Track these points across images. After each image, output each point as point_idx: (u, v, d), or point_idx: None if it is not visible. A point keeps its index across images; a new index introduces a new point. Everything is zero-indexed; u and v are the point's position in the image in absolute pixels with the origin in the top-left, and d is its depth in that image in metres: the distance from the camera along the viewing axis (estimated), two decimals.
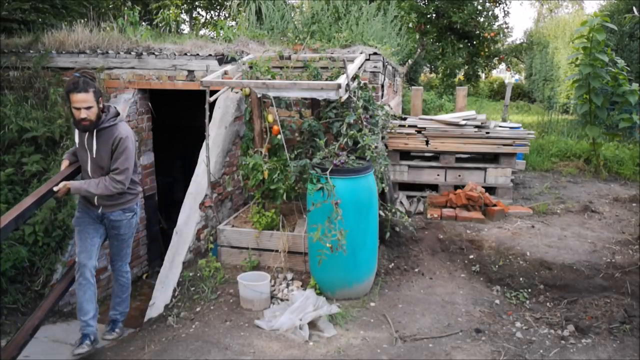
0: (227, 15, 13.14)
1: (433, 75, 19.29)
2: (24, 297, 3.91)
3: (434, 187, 5.52)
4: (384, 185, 4.25)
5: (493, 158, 5.59)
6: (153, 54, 4.99)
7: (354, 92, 4.12)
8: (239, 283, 3.59)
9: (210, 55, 4.86)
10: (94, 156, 3.26)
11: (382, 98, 4.99)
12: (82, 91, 3.05)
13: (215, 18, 13.63)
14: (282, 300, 3.65)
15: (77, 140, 3.31)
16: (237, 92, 4.68)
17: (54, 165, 4.31)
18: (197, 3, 13.70)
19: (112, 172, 3.24)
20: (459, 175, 5.44)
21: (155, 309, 3.69)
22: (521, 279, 3.91)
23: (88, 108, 3.09)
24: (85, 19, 6.47)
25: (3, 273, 3.78)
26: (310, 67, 4.51)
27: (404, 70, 10.44)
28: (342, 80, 3.61)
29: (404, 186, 5.58)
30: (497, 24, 13.52)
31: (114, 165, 3.25)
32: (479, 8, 12.76)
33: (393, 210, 4.35)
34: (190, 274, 3.91)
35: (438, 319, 3.45)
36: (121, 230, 3.43)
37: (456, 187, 5.39)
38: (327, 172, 3.43)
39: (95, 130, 3.20)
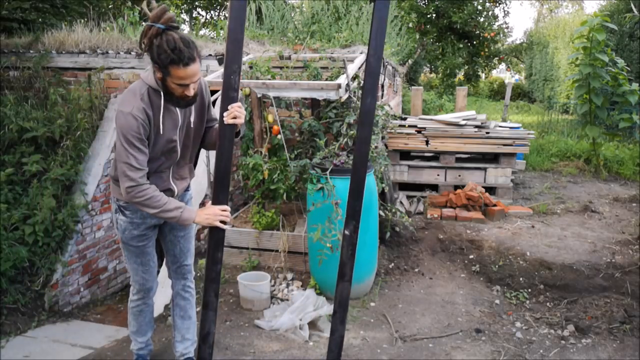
0: (227, 15, 13.14)
1: (433, 75, 19.31)
2: (24, 297, 3.90)
3: (434, 187, 5.52)
4: (384, 185, 4.25)
5: (493, 158, 5.59)
6: None
7: (354, 92, 4.12)
8: (239, 283, 3.59)
9: (210, 55, 4.86)
10: (191, 127, 2.35)
11: (382, 98, 4.99)
12: (191, 62, 2.04)
13: (215, 18, 13.63)
14: (282, 300, 3.65)
15: (163, 126, 2.21)
16: None
17: (54, 165, 4.30)
18: (197, 3, 13.70)
19: (214, 123, 2.43)
20: (459, 175, 5.44)
21: (155, 309, 3.68)
22: (521, 279, 3.91)
23: (196, 81, 2.15)
24: (85, 19, 6.47)
25: (3, 273, 3.78)
26: (310, 67, 4.51)
27: (404, 70, 10.44)
28: (342, 80, 3.61)
29: (404, 186, 5.58)
30: (497, 24, 13.52)
31: (212, 115, 2.44)
32: (479, 8, 12.76)
33: (393, 210, 4.35)
34: None
35: (438, 319, 3.45)
36: None
37: (456, 187, 5.40)
38: (327, 172, 3.43)
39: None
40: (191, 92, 2.16)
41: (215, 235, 2.16)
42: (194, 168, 2.60)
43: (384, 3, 1.81)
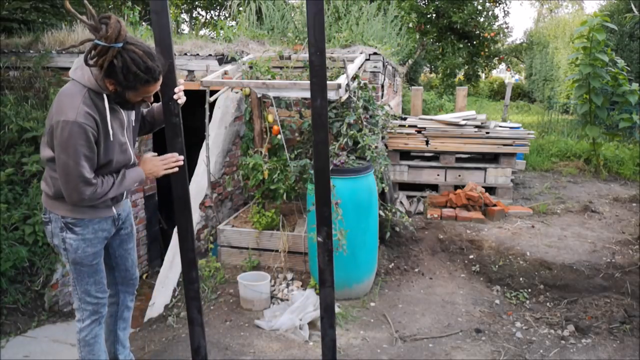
0: (227, 15, 13.14)
1: (433, 75, 19.31)
2: (24, 297, 3.91)
3: (434, 187, 5.52)
4: (384, 185, 4.26)
5: (493, 158, 5.59)
6: None
7: (354, 92, 4.12)
8: (239, 283, 3.59)
9: (210, 55, 4.86)
10: (132, 125, 2.28)
11: (382, 98, 4.99)
12: (160, 74, 1.95)
13: (215, 18, 13.63)
14: (282, 300, 3.65)
15: (113, 129, 2.09)
16: (237, 92, 4.68)
17: None
18: (197, 3, 13.70)
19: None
20: (459, 175, 5.43)
21: (155, 309, 3.69)
22: (521, 279, 3.91)
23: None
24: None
25: (3, 273, 3.78)
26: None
27: (404, 70, 10.44)
28: (342, 80, 3.61)
29: (404, 186, 5.58)
30: (497, 24, 13.52)
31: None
32: (479, 8, 12.76)
33: (393, 210, 4.35)
34: None
35: (438, 319, 3.45)
36: (132, 220, 2.51)
37: (456, 187, 5.40)
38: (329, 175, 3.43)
39: None
40: (152, 99, 2.08)
41: (186, 257, 2.13)
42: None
43: (315, 2, 1.75)
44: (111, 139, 2.08)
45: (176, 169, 2.06)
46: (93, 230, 2.22)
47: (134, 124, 2.28)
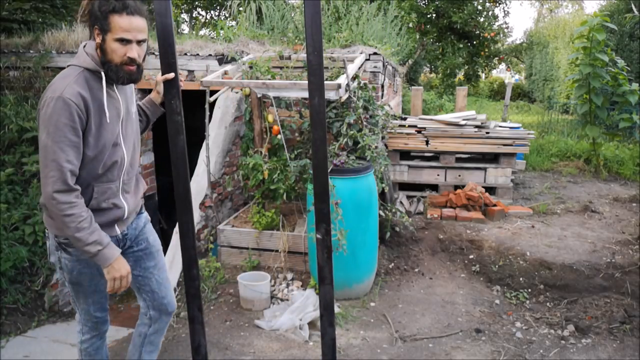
0: (227, 15, 13.14)
1: (433, 75, 19.31)
2: (24, 297, 3.90)
3: (434, 187, 5.52)
4: (384, 185, 4.26)
5: (493, 158, 5.59)
6: (153, 54, 4.99)
7: (354, 92, 4.12)
8: (239, 283, 3.59)
9: (210, 55, 4.86)
10: (133, 118, 2.08)
11: (382, 98, 4.98)
12: (137, 13, 1.80)
13: (215, 18, 13.63)
14: (282, 300, 3.65)
15: (108, 112, 1.89)
16: (237, 92, 4.68)
17: None
18: (197, 3, 13.71)
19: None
20: (459, 175, 5.44)
21: None
22: (521, 279, 3.91)
23: (141, 42, 1.86)
24: None
25: (3, 273, 3.78)
26: None
27: (404, 70, 10.44)
28: (342, 80, 3.61)
29: (404, 186, 5.58)
30: (497, 24, 13.52)
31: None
32: (479, 8, 12.76)
33: (393, 210, 4.35)
34: None
35: (438, 319, 3.45)
36: (149, 235, 2.25)
37: (456, 187, 5.40)
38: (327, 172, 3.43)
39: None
40: (134, 53, 1.83)
41: (186, 254, 2.10)
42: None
43: (312, 3, 1.77)
44: (107, 121, 1.89)
45: (123, 286, 1.97)
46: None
47: (135, 117, 2.10)
